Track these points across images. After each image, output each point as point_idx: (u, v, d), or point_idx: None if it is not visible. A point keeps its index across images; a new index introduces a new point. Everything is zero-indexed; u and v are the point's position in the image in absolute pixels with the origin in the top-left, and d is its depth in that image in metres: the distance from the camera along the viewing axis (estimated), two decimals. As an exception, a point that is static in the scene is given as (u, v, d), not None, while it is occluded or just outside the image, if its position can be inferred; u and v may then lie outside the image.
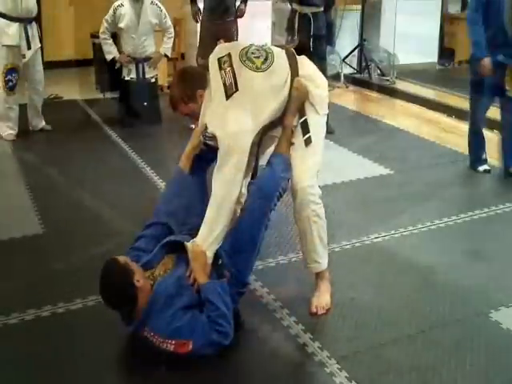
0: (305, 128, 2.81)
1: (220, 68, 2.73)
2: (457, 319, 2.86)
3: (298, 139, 2.82)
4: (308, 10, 5.47)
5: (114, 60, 5.87)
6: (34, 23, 5.44)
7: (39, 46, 5.52)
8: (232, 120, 2.66)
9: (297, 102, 2.79)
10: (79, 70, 8.08)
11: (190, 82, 2.81)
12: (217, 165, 2.68)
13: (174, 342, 2.45)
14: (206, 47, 5.36)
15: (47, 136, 5.70)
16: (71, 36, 7.92)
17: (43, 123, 5.78)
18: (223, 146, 2.65)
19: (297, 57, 2.87)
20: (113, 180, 4.62)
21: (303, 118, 2.82)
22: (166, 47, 6.02)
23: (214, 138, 2.69)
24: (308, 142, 2.80)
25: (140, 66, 5.89)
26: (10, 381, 2.43)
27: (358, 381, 2.42)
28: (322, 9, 5.54)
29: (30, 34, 5.31)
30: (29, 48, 5.33)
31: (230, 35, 5.79)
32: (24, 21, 5.28)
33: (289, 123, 2.81)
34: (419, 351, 2.61)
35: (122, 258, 2.56)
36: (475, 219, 3.92)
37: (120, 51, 5.90)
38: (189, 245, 2.65)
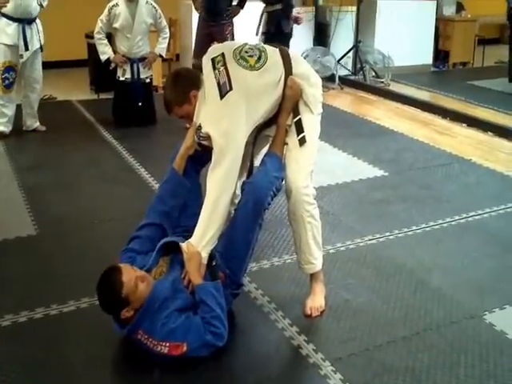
0: (299, 127, 2.81)
1: (214, 68, 2.72)
2: (451, 321, 2.86)
3: (292, 139, 2.81)
4: (265, 9, 5.56)
5: (108, 60, 5.85)
6: (34, 24, 5.43)
7: (38, 46, 5.49)
8: (226, 119, 2.65)
9: (291, 101, 2.79)
10: (73, 70, 8.07)
11: (183, 84, 2.79)
12: (211, 164, 2.67)
13: (168, 344, 2.44)
14: (200, 48, 5.38)
15: (41, 136, 5.68)
16: (65, 36, 7.90)
17: (37, 123, 5.77)
18: (217, 145, 2.64)
19: (291, 55, 2.87)
20: (107, 180, 4.60)
21: (297, 118, 2.81)
22: (161, 47, 6.01)
23: (208, 137, 2.68)
24: (302, 141, 2.79)
25: (135, 66, 5.87)
26: (2, 383, 2.42)
27: (352, 383, 2.42)
28: (276, 7, 5.58)
29: (28, 35, 5.33)
30: (26, 49, 5.34)
31: (224, 37, 5.78)
32: (23, 21, 5.30)
33: (283, 122, 2.81)
34: (414, 353, 2.61)
35: (125, 289, 2.46)
36: (470, 221, 3.93)
37: (115, 51, 5.89)
38: (184, 245, 2.64)
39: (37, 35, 5.45)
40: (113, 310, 2.52)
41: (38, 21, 5.48)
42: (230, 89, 2.66)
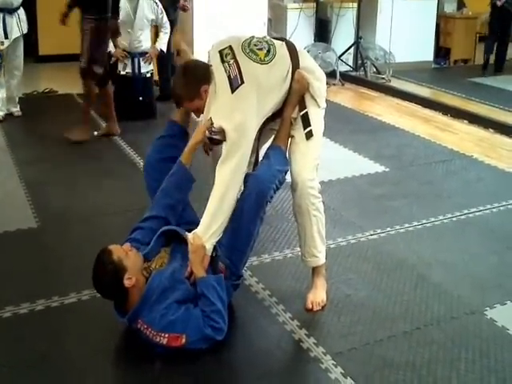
0: (306, 121, 2.80)
1: (222, 61, 2.69)
2: (452, 316, 2.86)
3: (299, 132, 2.81)
4: None
5: (109, 54, 5.84)
6: (17, 13, 5.58)
7: (19, 34, 5.63)
8: (238, 112, 2.62)
9: (297, 94, 2.78)
10: (74, 64, 8.01)
11: (194, 79, 2.72)
12: (222, 157, 2.64)
13: (167, 336, 2.44)
14: None
15: (42, 130, 5.67)
16: (67, 30, 7.86)
17: (15, 109, 5.93)
18: (231, 139, 2.61)
19: (297, 49, 2.86)
20: (108, 174, 4.59)
21: (304, 111, 2.80)
22: (162, 43, 6.00)
23: (221, 131, 2.65)
24: (309, 135, 2.79)
25: (135, 60, 5.87)
26: (3, 375, 2.42)
27: (353, 377, 2.42)
28: None
29: (9, 23, 5.50)
30: (6, 37, 5.50)
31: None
32: (3, 10, 5.45)
33: (288, 115, 2.80)
34: (414, 348, 2.61)
35: (115, 255, 2.51)
36: (471, 217, 3.92)
37: (116, 46, 5.88)
38: (190, 236, 2.63)
39: (18, 24, 5.60)
40: (112, 280, 2.48)
41: (21, 10, 5.63)
42: (242, 82, 2.63)
